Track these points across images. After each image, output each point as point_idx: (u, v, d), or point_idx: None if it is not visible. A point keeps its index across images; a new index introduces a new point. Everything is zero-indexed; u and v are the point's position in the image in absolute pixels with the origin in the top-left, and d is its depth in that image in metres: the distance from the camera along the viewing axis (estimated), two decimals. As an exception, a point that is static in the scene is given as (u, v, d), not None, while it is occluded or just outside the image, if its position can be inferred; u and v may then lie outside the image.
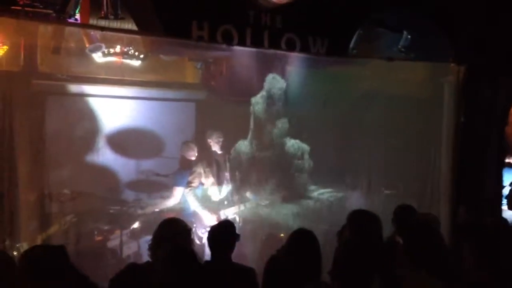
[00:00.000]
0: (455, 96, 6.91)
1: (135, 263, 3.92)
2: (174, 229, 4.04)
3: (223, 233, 4.18)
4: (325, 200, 7.27)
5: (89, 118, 7.55)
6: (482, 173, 6.77)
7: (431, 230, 3.74)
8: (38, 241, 6.01)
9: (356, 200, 7.45)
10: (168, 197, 7.27)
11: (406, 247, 3.54)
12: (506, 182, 7.20)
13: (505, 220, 5.42)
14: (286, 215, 6.88)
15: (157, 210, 7.33)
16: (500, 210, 6.48)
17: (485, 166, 6.79)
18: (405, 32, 7.00)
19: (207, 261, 4.17)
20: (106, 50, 6.68)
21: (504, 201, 5.34)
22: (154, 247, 3.96)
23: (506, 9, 6.26)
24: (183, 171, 7.21)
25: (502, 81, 6.59)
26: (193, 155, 7.25)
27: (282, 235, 6.42)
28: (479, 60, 6.60)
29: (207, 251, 6.76)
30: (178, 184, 7.15)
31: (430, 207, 7.05)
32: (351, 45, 6.62)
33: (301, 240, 3.81)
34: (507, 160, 7.87)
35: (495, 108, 6.81)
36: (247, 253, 6.17)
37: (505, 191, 5.36)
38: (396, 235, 4.55)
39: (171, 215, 6.66)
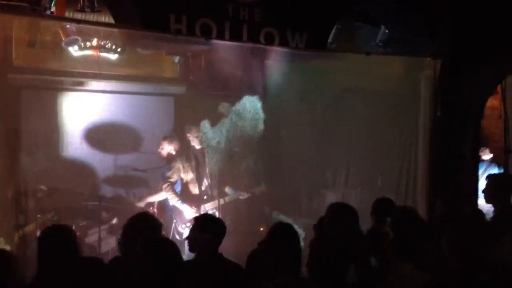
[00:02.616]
0: (431, 90, 6.98)
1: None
2: (145, 225, 4.00)
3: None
4: (304, 194, 7.31)
5: (66, 113, 7.46)
6: (458, 166, 6.86)
7: (419, 223, 3.76)
8: (16, 237, 5.93)
9: (334, 194, 7.51)
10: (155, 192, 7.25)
11: (394, 239, 3.54)
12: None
13: (480, 211, 5.52)
14: (265, 209, 6.90)
15: (136, 205, 7.28)
16: (476, 203, 6.57)
17: (462, 159, 6.88)
18: (382, 27, 7.05)
19: (196, 256, 4.13)
20: (82, 44, 6.59)
21: (481, 195, 5.41)
22: (124, 243, 3.92)
23: (487, 3, 6.33)
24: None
25: (480, 74, 6.67)
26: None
27: (261, 229, 6.44)
28: (457, 54, 6.68)
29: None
30: None
31: (407, 200, 7.14)
32: (330, 39, 6.64)
33: (281, 233, 3.83)
34: (480, 154, 8.01)
35: (471, 102, 6.90)
36: (226, 247, 6.16)
37: (482, 185, 5.44)
38: (378, 227, 4.59)
39: (151, 210, 6.65)
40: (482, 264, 3.44)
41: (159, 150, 7.20)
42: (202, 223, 4.12)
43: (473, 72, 6.69)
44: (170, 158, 7.15)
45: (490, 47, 6.47)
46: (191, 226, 4.29)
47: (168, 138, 7.25)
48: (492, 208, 5.27)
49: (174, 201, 6.89)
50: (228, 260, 4.09)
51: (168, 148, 7.15)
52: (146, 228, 3.91)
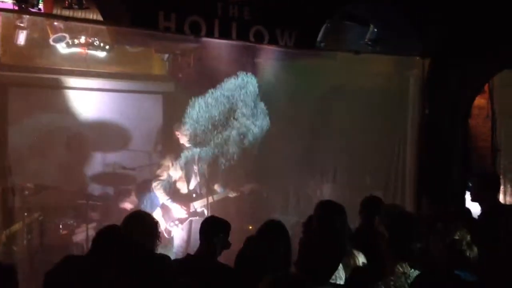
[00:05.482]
0: (420, 88, 7.02)
1: (72, 254, 3.80)
2: (141, 223, 4.00)
3: (207, 230, 4.18)
4: (293, 192, 7.32)
5: (53, 111, 7.40)
6: (446, 165, 6.89)
7: (414, 221, 3.75)
8: (3, 236, 5.90)
9: (323, 192, 7.52)
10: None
11: (390, 238, 3.53)
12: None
13: (468, 209, 5.55)
14: (254, 207, 6.90)
15: (123, 203, 7.26)
16: (464, 201, 6.60)
17: (450, 158, 6.92)
18: (371, 25, 7.06)
19: (188, 255, 4.15)
20: (70, 41, 6.54)
21: (468, 193, 5.44)
22: None
23: (475, 3, 6.36)
24: None
25: (468, 74, 6.71)
26: None
27: (250, 227, 6.44)
28: (445, 53, 6.71)
29: (176, 244, 6.81)
30: None
31: (395, 198, 7.17)
32: (319, 37, 6.65)
33: (272, 230, 3.83)
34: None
35: (459, 101, 6.94)
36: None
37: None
38: (367, 225, 4.59)
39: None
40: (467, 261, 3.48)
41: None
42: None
43: (461, 71, 6.73)
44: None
45: (477, 46, 6.51)
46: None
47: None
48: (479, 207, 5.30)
49: (164, 199, 6.88)
50: (217, 261, 4.13)
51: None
52: (142, 227, 3.90)
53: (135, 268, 3.08)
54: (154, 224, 4.04)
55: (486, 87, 7.55)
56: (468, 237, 3.54)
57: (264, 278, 2.77)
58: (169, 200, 6.85)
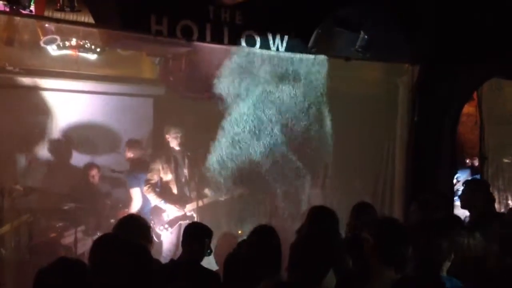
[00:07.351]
0: (409, 95, 7.06)
1: (67, 257, 3.76)
2: (134, 227, 3.99)
3: (194, 235, 4.18)
4: (284, 197, 7.32)
5: (43, 113, 7.38)
6: (435, 171, 6.94)
7: (401, 228, 3.77)
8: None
9: (314, 197, 7.54)
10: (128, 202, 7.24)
11: (376, 244, 3.54)
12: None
13: (456, 216, 5.58)
14: (244, 211, 6.89)
15: (112, 206, 7.23)
16: (452, 207, 6.65)
17: (438, 164, 6.96)
18: (362, 33, 7.11)
19: (172, 260, 4.15)
20: (61, 43, 6.51)
21: (458, 200, 5.48)
22: None
23: (465, 10, 6.42)
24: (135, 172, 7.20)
25: (457, 81, 6.77)
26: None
27: (240, 232, 6.44)
28: (435, 60, 6.77)
29: (165, 248, 6.79)
30: (133, 186, 7.12)
31: (383, 204, 7.21)
32: (310, 43, 6.68)
33: (262, 236, 3.84)
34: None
35: (448, 107, 6.99)
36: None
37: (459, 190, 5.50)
38: (360, 231, 4.60)
39: (127, 212, 6.62)
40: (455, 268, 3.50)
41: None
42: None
43: (450, 78, 6.79)
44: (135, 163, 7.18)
45: (467, 54, 6.57)
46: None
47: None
48: (468, 213, 5.34)
49: (156, 202, 6.88)
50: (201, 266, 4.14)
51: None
52: (135, 230, 3.89)
53: (137, 273, 3.07)
54: (147, 228, 4.05)
55: (474, 95, 7.62)
56: (456, 244, 3.57)
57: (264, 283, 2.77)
58: (162, 202, 6.85)
